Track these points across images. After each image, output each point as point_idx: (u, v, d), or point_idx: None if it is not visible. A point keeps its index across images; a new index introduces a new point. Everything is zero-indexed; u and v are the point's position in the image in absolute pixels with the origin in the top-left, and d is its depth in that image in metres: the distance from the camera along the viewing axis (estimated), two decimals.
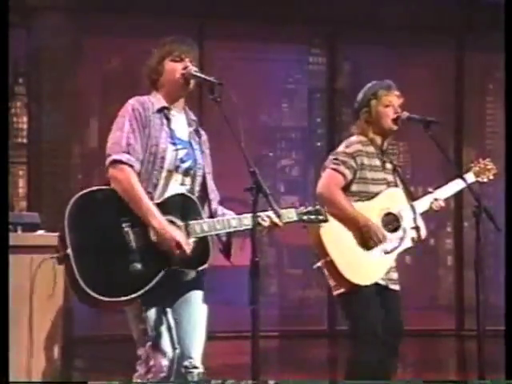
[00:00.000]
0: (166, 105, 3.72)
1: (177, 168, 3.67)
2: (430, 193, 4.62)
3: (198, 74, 3.73)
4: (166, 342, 3.59)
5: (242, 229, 3.66)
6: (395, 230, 4.52)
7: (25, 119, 8.89)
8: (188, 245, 3.54)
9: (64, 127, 8.55)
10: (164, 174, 3.64)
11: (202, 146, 3.81)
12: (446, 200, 4.69)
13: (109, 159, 3.59)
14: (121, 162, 3.56)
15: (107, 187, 3.57)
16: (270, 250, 9.89)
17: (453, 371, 7.94)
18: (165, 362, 3.57)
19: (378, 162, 4.58)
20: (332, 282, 4.49)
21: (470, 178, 4.72)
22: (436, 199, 4.59)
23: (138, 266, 3.48)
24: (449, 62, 9.84)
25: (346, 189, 4.49)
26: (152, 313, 3.58)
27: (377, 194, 4.53)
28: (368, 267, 4.45)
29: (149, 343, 3.58)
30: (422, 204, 4.59)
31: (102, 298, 3.43)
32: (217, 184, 3.89)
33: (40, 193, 8.46)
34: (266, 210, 3.63)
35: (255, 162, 3.53)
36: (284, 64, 9.99)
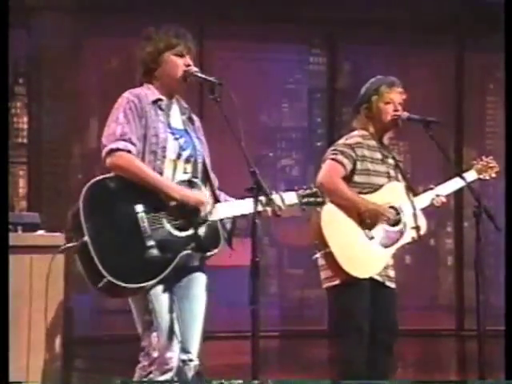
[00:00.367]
0: (160, 97, 3.72)
1: (178, 156, 3.68)
2: (431, 189, 4.63)
3: (199, 74, 3.74)
4: (171, 334, 3.58)
5: (247, 213, 3.61)
6: (396, 224, 4.52)
7: (25, 119, 8.89)
8: (209, 199, 3.59)
9: (64, 127, 8.55)
10: (167, 163, 3.65)
11: (198, 133, 3.83)
12: (447, 200, 4.69)
13: (105, 150, 3.59)
14: (117, 149, 3.56)
15: (114, 175, 3.56)
16: (270, 249, 9.89)
17: (453, 371, 7.94)
18: (169, 354, 3.57)
19: (379, 155, 4.59)
20: (324, 274, 4.49)
21: (472, 175, 4.73)
22: (437, 195, 4.60)
23: (155, 251, 3.49)
24: (449, 61, 9.84)
25: (348, 180, 4.50)
26: (159, 304, 3.57)
27: (380, 186, 4.54)
28: (367, 260, 4.45)
29: (154, 334, 3.57)
30: (423, 199, 4.60)
31: (123, 284, 3.43)
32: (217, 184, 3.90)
33: (40, 193, 8.47)
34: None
35: (255, 162, 3.53)
36: (284, 64, 9.99)
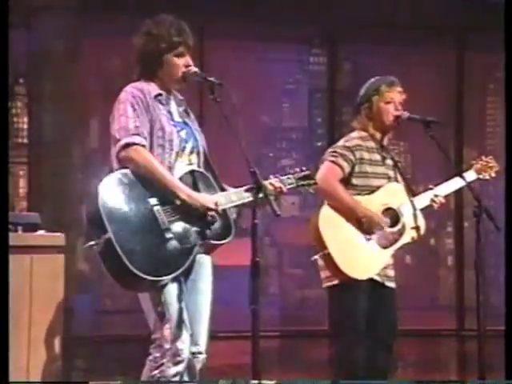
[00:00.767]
0: (160, 92, 3.74)
1: (183, 149, 3.71)
2: (431, 189, 4.63)
3: (199, 74, 3.75)
4: (182, 326, 3.59)
5: (252, 199, 3.60)
6: (394, 225, 4.52)
7: (25, 119, 8.89)
8: (217, 204, 3.58)
9: (64, 127, 8.55)
10: (173, 156, 3.67)
11: (195, 124, 3.85)
12: (447, 200, 4.69)
13: (120, 144, 3.58)
14: (134, 143, 3.56)
15: (127, 170, 3.57)
16: (270, 249, 9.90)
17: (453, 371, 7.94)
18: (181, 346, 3.57)
19: (378, 157, 4.59)
20: (323, 274, 4.50)
21: (471, 175, 4.71)
22: (436, 195, 4.59)
23: (175, 243, 3.51)
24: (449, 61, 9.84)
25: (346, 182, 4.50)
26: (170, 296, 3.58)
27: (378, 187, 4.53)
28: (365, 261, 4.45)
29: (166, 326, 3.57)
30: (422, 200, 4.59)
31: (150, 278, 3.43)
32: None
33: (40, 193, 8.47)
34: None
35: (255, 162, 3.54)
36: (284, 64, 9.99)
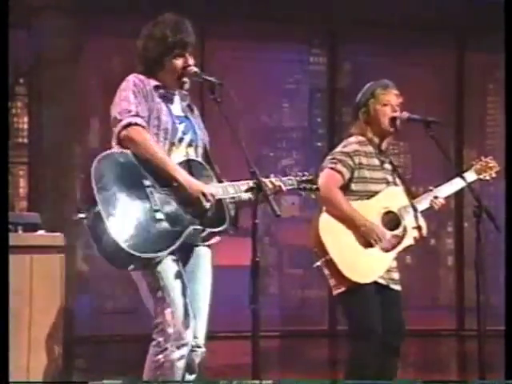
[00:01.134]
0: (160, 85, 3.78)
1: (180, 140, 3.74)
2: (431, 191, 4.62)
3: (199, 74, 3.76)
4: (185, 309, 3.60)
5: (249, 194, 3.63)
6: (395, 228, 4.52)
7: (25, 119, 8.89)
8: (213, 197, 3.59)
9: (64, 127, 8.55)
10: (167, 146, 3.70)
11: (197, 119, 3.88)
12: (447, 200, 4.68)
13: (121, 123, 3.62)
14: (135, 123, 3.61)
15: (126, 150, 3.61)
16: (270, 249, 9.89)
17: (453, 371, 7.93)
18: (184, 329, 3.58)
19: (376, 162, 4.58)
20: (332, 282, 4.49)
21: (471, 176, 4.70)
22: (436, 197, 4.59)
23: (165, 224, 3.53)
24: (449, 61, 9.84)
25: (345, 188, 4.50)
26: (170, 281, 3.59)
27: (377, 192, 4.53)
28: (367, 265, 4.45)
29: (168, 310, 3.58)
30: (422, 202, 4.59)
31: (135, 253, 3.45)
32: None
33: (40, 193, 8.47)
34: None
35: (255, 162, 3.54)
36: (284, 64, 9.98)
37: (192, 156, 3.75)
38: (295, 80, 10.15)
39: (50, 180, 8.41)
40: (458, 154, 9.55)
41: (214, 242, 3.81)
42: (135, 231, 3.48)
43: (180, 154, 3.72)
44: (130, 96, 3.67)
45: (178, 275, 3.62)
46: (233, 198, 3.73)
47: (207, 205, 3.58)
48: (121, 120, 3.63)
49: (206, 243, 3.78)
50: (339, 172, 4.48)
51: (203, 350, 3.75)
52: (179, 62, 3.77)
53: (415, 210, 4.54)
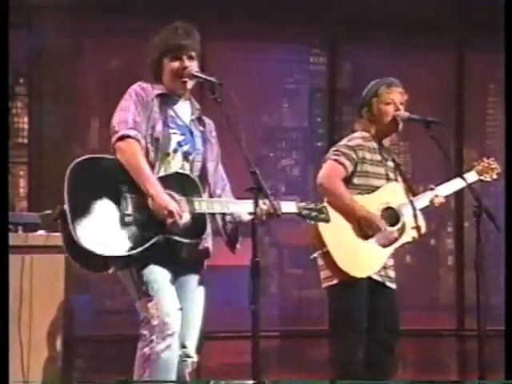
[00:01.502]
0: (165, 92, 3.80)
1: (175, 151, 3.74)
2: (431, 189, 4.63)
3: (199, 75, 3.77)
4: (167, 299, 3.61)
5: (239, 215, 3.71)
6: (394, 224, 4.52)
7: (25, 119, 8.89)
8: (181, 216, 3.58)
9: (64, 127, 8.55)
10: (160, 155, 3.71)
11: (207, 135, 3.88)
12: (447, 200, 4.69)
13: (116, 135, 3.67)
14: (128, 136, 3.65)
15: (113, 157, 3.66)
16: (270, 249, 9.89)
17: (453, 371, 7.93)
18: (168, 319, 3.58)
19: (379, 158, 4.60)
20: (323, 274, 4.50)
21: (472, 176, 4.71)
22: (436, 195, 4.60)
23: (133, 228, 3.55)
24: (449, 61, 9.84)
25: (347, 182, 4.51)
26: (154, 275, 3.62)
27: (378, 187, 4.54)
28: (365, 260, 4.46)
29: (152, 303, 3.60)
30: (422, 200, 4.60)
31: (95, 251, 3.48)
32: None
33: (40, 193, 8.46)
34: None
35: (255, 162, 3.54)
36: (284, 64, 9.98)
37: (186, 169, 3.76)
38: (295, 80, 10.15)
39: (50, 180, 8.40)
40: (458, 154, 9.55)
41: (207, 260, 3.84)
42: (98, 230, 3.52)
43: (175, 165, 3.74)
44: (131, 106, 3.72)
45: (162, 271, 3.64)
46: (223, 213, 3.74)
47: (170, 221, 3.57)
48: (117, 131, 3.67)
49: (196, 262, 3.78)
50: (342, 164, 4.49)
51: (194, 360, 3.76)
52: (176, 64, 3.79)
53: (414, 207, 4.54)
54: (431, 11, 9.20)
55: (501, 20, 5.37)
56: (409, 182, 4.71)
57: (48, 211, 3.62)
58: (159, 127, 3.72)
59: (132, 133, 3.65)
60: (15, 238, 4.78)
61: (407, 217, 4.54)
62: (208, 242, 3.81)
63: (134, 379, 3.64)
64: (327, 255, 4.41)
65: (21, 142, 8.84)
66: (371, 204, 4.49)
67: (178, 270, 3.73)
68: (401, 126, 4.59)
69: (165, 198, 3.59)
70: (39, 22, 8.46)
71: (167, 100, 3.80)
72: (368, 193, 4.53)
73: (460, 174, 4.59)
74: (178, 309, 3.62)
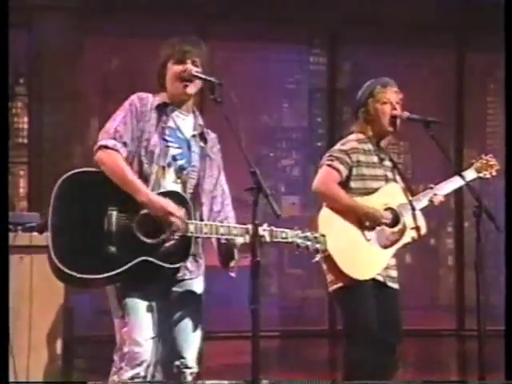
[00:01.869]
0: (167, 101, 3.76)
1: (169, 165, 3.70)
2: (431, 189, 4.62)
3: (199, 75, 3.75)
4: (140, 330, 3.58)
5: (230, 237, 3.65)
6: (395, 225, 4.52)
7: (25, 119, 8.88)
8: (180, 213, 3.55)
9: (65, 127, 8.55)
10: (155, 169, 3.67)
11: (207, 151, 3.82)
12: (447, 199, 4.69)
13: (96, 145, 3.66)
14: (106, 146, 3.62)
15: (98, 170, 3.64)
16: (270, 249, 9.88)
17: (453, 371, 7.93)
18: (137, 349, 3.56)
19: (375, 159, 4.59)
20: (329, 278, 4.50)
21: (471, 174, 4.71)
22: (436, 194, 4.59)
23: (113, 248, 3.51)
24: (449, 61, 9.84)
25: (344, 186, 4.51)
26: (131, 300, 3.59)
27: (376, 189, 4.54)
28: (366, 262, 4.46)
29: (125, 329, 3.58)
30: (422, 200, 4.59)
31: (73, 273, 3.47)
32: None
33: (40, 193, 8.46)
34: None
35: (255, 162, 3.54)
36: (284, 64, 9.98)
37: (179, 183, 3.71)
38: (295, 80, 10.15)
39: (50, 180, 8.38)
40: (457, 154, 9.55)
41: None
42: (79, 251, 3.50)
43: (170, 178, 3.70)
44: (119, 116, 3.69)
45: (143, 293, 3.60)
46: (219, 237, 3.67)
47: (177, 223, 3.54)
48: (99, 141, 3.67)
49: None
50: (336, 169, 4.49)
51: (194, 370, 3.73)
52: (179, 67, 3.76)
53: (413, 208, 4.54)
54: (431, 11, 9.20)
55: (501, 20, 5.37)
56: (408, 182, 4.70)
57: (32, 224, 3.59)
58: (155, 140, 3.68)
59: (110, 143, 3.62)
60: (15, 238, 4.78)
61: (408, 217, 4.54)
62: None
63: None
64: (329, 258, 4.41)
65: (21, 142, 8.83)
66: (371, 205, 4.49)
67: (167, 283, 3.69)
68: (397, 126, 4.58)
69: (159, 199, 3.56)
70: (39, 22, 8.46)
71: (168, 111, 3.75)
72: (366, 195, 4.52)
73: (459, 172, 4.59)
74: (149, 338, 3.58)
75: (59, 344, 5.07)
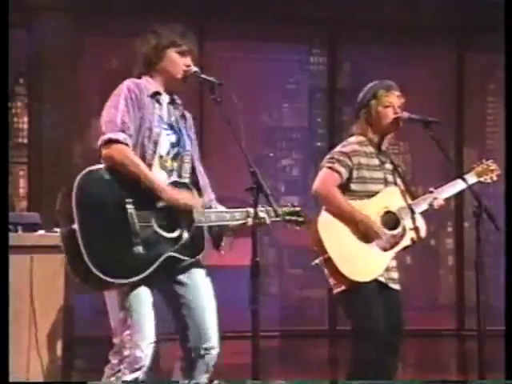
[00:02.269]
0: (159, 90, 3.71)
1: (168, 153, 3.68)
2: (431, 192, 4.62)
3: (199, 75, 3.74)
4: (144, 334, 3.54)
5: (234, 223, 3.66)
6: (394, 228, 4.52)
7: (25, 119, 8.89)
8: (200, 203, 3.57)
9: (64, 127, 8.55)
10: (156, 158, 3.63)
11: (189, 131, 3.80)
12: (447, 200, 4.68)
13: (104, 138, 3.56)
14: (117, 141, 3.53)
15: (109, 166, 3.53)
16: (270, 250, 9.88)
17: (453, 371, 7.93)
18: (139, 354, 3.53)
19: (376, 162, 4.58)
20: (332, 281, 4.50)
21: (472, 178, 4.70)
22: (435, 198, 4.59)
23: (140, 248, 3.46)
24: (449, 61, 9.84)
25: (345, 188, 4.50)
26: (137, 302, 3.54)
27: (377, 192, 4.53)
28: (366, 264, 4.45)
29: (127, 332, 3.54)
30: (421, 204, 4.58)
31: (105, 278, 3.39)
32: (217, 184, 3.89)
33: (40, 193, 8.46)
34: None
35: (256, 162, 3.54)
36: (284, 64, 9.98)
37: (174, 169, 3.67)
38: (295, 80, 10.15)
39: (50, 180, 8.40)
40: (458, 154, 9.55)
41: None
42: (109, 254, 3.42)
43: (165, 167, 3.66)
44: (121, 103, 3.59)
45: (147, 299, 3.56)
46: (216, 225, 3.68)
47: (194, 205, 3.53)
48: (104, 133, 3.57)
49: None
50: (337, 171, 4.49)
51: (217, 350, 3.71)
52: (181, 60, 3.72)
53: (414, 210, 4.53)
54: (431, 11, 9.21)
55: (501, 20, 5.37)
56: (408, 185, 4.69)
57: (57, 229, 3.48)
58: (157, 129, 3.63)
59: (120, 137, 3.53)
60: (15, 238, 4.78)
61: (408, 220, 4.53)
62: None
63: None
64: (329, 261, 4.41)
65: (21, 142, 8.84)
66: (371, 209, 4.48)
67: (176, 273, 3.67)
68: (399, 126, 4.58)
69: (180, 197, 3.54)
70: (39, 22, 8.46)
71: (159, 99, 3.71)
72: (367, 198, 4.52)
73: (460, 176, 4.58)
74: (151, 343, 3.56)
75: (59, 344, 5.06)
